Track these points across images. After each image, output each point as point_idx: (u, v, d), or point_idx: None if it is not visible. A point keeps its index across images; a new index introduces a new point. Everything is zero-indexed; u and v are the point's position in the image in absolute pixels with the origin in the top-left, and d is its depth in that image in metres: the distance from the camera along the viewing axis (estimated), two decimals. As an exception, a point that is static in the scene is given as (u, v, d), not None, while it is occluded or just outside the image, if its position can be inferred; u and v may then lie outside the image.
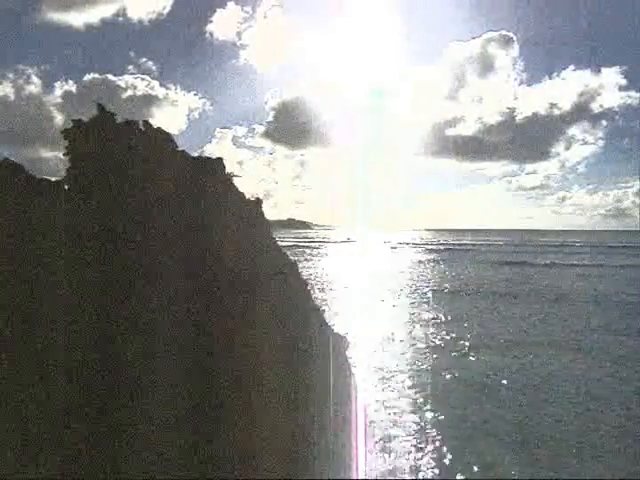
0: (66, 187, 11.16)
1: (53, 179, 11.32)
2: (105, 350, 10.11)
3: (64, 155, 11.32)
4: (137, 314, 10.36)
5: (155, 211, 10.93)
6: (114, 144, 11.23)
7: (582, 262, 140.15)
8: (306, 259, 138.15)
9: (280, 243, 12.85)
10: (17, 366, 9.97)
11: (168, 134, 11.64)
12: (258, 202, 12.19)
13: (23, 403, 9.87)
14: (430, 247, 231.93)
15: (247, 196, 12.19)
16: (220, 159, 11.90)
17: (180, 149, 11.77)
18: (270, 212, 13.65)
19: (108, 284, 10.41)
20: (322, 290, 74.72)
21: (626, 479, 21.08)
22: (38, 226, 10.66)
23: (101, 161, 11.14)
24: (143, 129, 11.48)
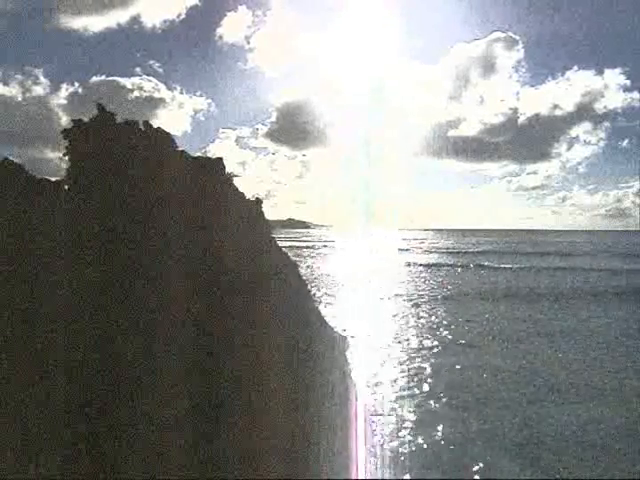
0: (66, 187, 11.16)
1: (53, 179, 11.32)
2: (105, 350, 10.09)
3: (64, 155, 11.31)
4: (137, 314, 10.35)
5: (155, 211, 10.91)
6: (114, 144, 11.21)
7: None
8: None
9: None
10: (17, 366, 9.96)
11: (168, 134, 11.63)
12: (258, 202, 12.16)
13: (23, 403, 9.85)
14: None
15: (248, 196, 12.18)
16: (220, 159, 11.87)
17: (180, 149, 11.74)
18: (270, 212, 13.64)
19: (108, 284, 10.40)
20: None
21: (626, 479, 21.04)
22: (38, 226, 10.65)
23: (101, 161, 11.12)
24: (143, 129, 11.46)
